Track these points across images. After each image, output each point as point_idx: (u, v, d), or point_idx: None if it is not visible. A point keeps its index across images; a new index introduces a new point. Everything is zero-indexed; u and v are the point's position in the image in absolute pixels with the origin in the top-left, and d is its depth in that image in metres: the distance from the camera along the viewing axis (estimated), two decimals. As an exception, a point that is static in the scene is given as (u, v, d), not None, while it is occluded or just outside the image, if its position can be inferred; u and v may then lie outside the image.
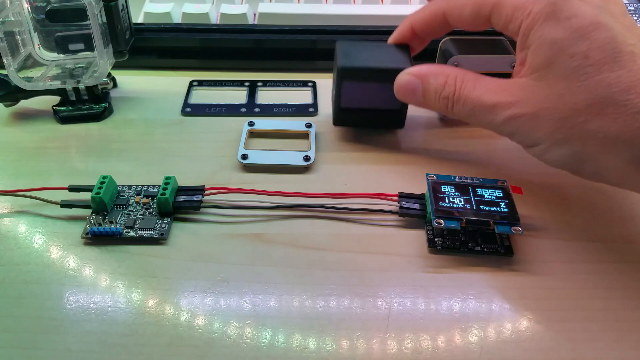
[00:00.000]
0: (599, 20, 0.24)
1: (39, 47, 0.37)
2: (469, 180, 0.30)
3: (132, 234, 0.28)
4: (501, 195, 0.29)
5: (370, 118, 0.35)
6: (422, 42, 0.34)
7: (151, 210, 0.30)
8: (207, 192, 0.30)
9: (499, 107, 0.27)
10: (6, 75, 0.35)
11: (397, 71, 0.32)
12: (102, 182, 0.29)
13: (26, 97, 0.37)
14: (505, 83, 0.27)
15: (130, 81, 0.41)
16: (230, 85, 0.41)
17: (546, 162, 0.27)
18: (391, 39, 0.34)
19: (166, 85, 0.41)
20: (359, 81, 0.33)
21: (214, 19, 0.45)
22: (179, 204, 0.29)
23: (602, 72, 0.23)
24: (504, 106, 0.26)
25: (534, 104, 0.25)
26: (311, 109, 0.38)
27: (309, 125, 0.36)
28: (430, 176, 0.30)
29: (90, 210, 0.29)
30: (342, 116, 0.35)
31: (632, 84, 0.23)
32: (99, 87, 0.37)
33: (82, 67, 0.37)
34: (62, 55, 0.37)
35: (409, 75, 0.30)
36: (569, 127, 0.25)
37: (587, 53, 0.24)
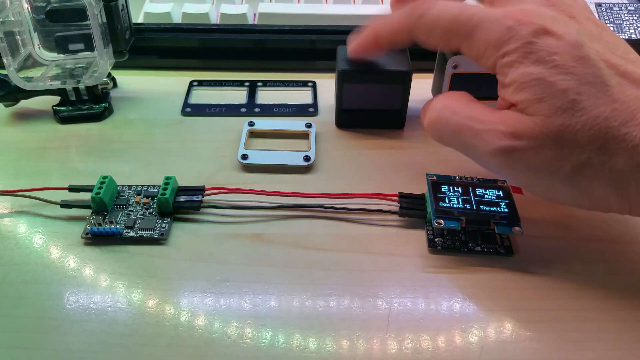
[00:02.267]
0: (581, 55, 0.23)
1: (39, 47, 0.37)
2: (469, 180, 0.30)
3: (132, 234, 0.28)
4: (501, 195, 0.29)
5: (371, 119, 0.36)
6: (380, 52, 0.33)
7: (151, 210, 0.30)
8: (207, 192, 0.30)
9: (491, 134, 0.25)
10: (6, 75, 0.35)
11: (396, 73, 0.33)
12: (102, 182, 0.29)
13: (26, 97, 0.37)
14: (499, 112, 0.25)
15: (130, 81, 0.41)
16: (230, 85, 0.41)
17: (553, 200, 0.26)
18: (352, 48, 0.32)
19: (166, 85, 0.41)
20: (359, 83, 0.34)
21: (214, 19, 0.45)
22: (179, 204, 0.29)
23: (598, 106, 0.23)
24: (497, 134, 0.24)
25: (533, 139, 0.24)
26: (311, 109, 0.38)
27: (309, 125, 0.36)
28: (430, 176, 0.30)
29: (90, 211, 0.29)
30: (345, 118, 0.36)
31: (628, 116, 0.23)
32: (99, 87, 0.37)
33: (82, 67, 0.37)
34: (62, 55, 0.37)
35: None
36: (573, 165, 0.23)
37: (578, 89, 0.23)
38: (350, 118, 0.36)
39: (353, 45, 0.32)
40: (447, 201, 0.28)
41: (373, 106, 0.35)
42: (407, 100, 0.35)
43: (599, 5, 0.43)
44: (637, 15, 0.45)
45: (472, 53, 0.26)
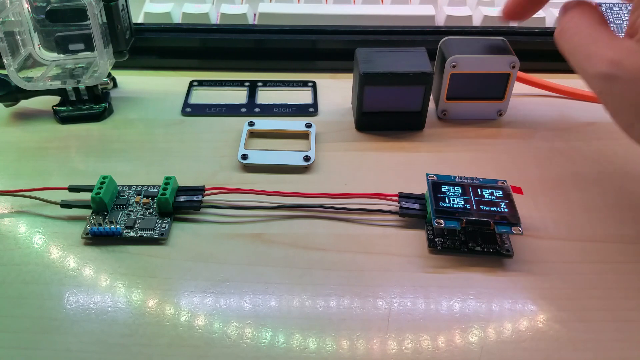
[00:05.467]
0: None
1: (39, 47, 0.37)
2: (469, 180, 0.30)
3: (132, 234, 0.28)
4: (501, 195, 0.29)
5: (391, 121, 0.36)
6: (534, 12, 0.31)
7: (151, 210, 0.30)
8: (207, 192, 0.30)
9: (595, 59, 0.25)
10: (6, 75, 0.35)
11: (418, 74, 0.33)
12: (102, 182, 0.29)
13: (26, 97, 0.37)
14: (615, 40, 0.25)
15: (130, 81, 0.41)
16: (230, 85, 0.41)
17: (632, 137, 0.26)
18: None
19: (166, 85, 0.41)
20: (380, 86, 0.34)
21: (214, 19, 0.44)
22: (179, 204, 0.29)
23: None
24: (602, 60, 0.25)
25: (633, 71, 0.23)
26: (311, 109, 0.38)
27: (309, 125, 0.36)
28: (430, 176, 0.30)
29: (91, 211, 0.29)
30: (364, 120, 0.36)
31: None
32: (99, 87, 0.37)
33: (82, 67, 0.37)
34: (62, 55, 0.37)
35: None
36: None
37: None
38: (371, 121, 0.36)
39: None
40: (447, 201, 0.28)
41: (394, 108, 0.35)
42: (427, 101, 0.35)
43: (598, 5, 0.43)
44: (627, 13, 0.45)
45: None
